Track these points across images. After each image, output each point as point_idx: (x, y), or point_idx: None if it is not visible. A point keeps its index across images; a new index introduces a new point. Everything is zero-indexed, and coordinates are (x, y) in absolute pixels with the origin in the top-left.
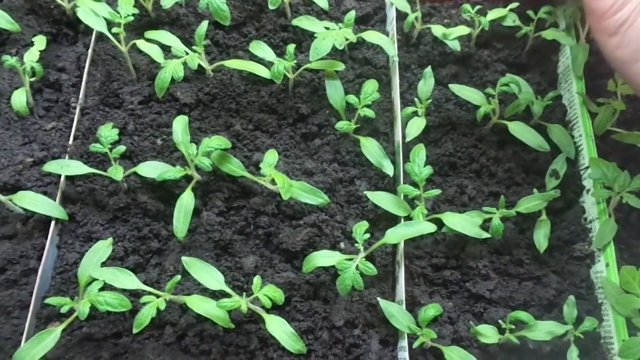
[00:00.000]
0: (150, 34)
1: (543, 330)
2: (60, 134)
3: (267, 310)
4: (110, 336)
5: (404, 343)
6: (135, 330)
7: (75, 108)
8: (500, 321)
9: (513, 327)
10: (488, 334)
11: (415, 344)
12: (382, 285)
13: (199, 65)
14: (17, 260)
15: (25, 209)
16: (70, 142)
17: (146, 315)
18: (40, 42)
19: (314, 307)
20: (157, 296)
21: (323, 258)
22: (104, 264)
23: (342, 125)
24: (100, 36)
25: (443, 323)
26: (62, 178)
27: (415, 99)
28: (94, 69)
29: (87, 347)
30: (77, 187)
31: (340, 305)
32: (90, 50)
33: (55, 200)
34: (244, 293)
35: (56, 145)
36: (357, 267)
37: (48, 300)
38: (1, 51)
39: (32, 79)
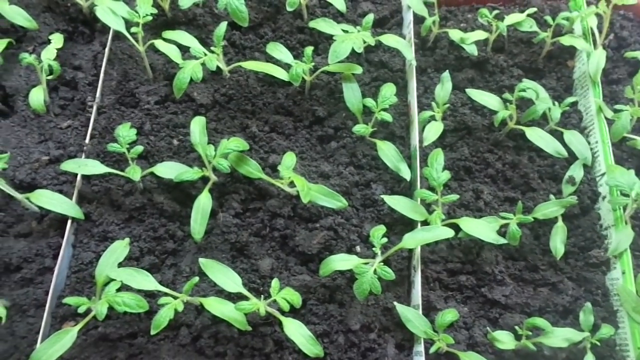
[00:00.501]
0: (168, 34)
1: (560, 336)
2: (76, 133)
3: (284, 313)
4: (126, 336)
5: (420, 348)
6: (153, 332)
7: (91, 107)
8: (516, 327)
9: (530, 333)
10: (504, 339)
11: (432, 349)
12: (397, 290)
13: (216, 66)
14: (32, 258)
15: (40, 207)
16: (87, 141)
17: (164, 316)
18: (57, 40)
19: (329, 311)
20: (175, 297)
21: (340, 262)
22: (120, 265)
23: (360, 128)
24: (117, 35)
25: (458, 328)
26: (79, 177)
27: (432, 103)
28: (111, 68)
29: (102, 347)
30: (93, 186)
31: (356, 309)
32: (107, 50)
33: (71, 199)
34: (261, 295)
35: (72, 143)
36: (374, 272)
37: (66, 300)
38: (18, 48)
39: (49, 77)
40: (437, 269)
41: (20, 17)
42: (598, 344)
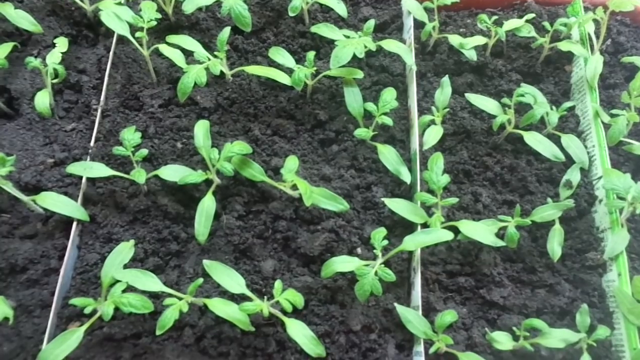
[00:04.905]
0: (172, 38)
1: (557, 337)
2: (80, 136)
3: (286, 314)
4: (130, 337)
5: (419, 348)
6: (158, 332)
7: (96, 110)
8: (514, 328)
9: (527, 334)
10: (502, 340)
11: (432, 350)
12: (397, 291)
13: (219, 70)
14: (38, 260)
15: (45, 209)
16: (92, 144)
17: (169, 317)
18: (62, 43)
19: (331, 312)
20: (179, 298)
21: (342, 263)
22: (125, 266)
23: (361, 132)
24: (121, 39)
25: (457, 329)
26: (84, 179)
27: (432, 108)
28: (115, 71)
29: (107, 347)
30: (98, 188)
31: (357, 309)
32: (111, 53)
33: (76, 201)
34: (264, 296)
35: (77, 146)
36: (375, 273)
37: (72, 301)
38: (22, 51)
39: (55, 81)
40: (436, 270)
41: (25, 21)
42: (594, 344)
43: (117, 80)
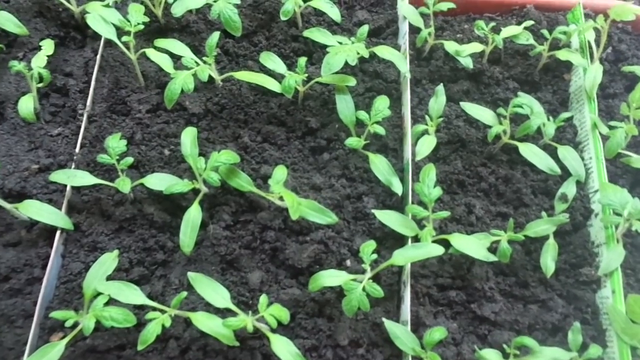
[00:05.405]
0: (160, 42)
1: (547, 356)
2: (66, 141)
3: (272, 329)
4: (114, 349)
5: None
6: (140, 347)
7: (82, 115)
8: (504, 345)
9: (517, 352)
10: (492, 358)
11: None
12: (387, 304)
13: (209, 75)
14: (21, 268)
15: (30, 217)
16: (77, 150)
17: (151, 332)
18: (48, 46)
19: (318, 325)
20: (163, 312)
21: (329, 277)
22: (109, 276)
23: (352, 141)
24: (109, 42)
25: (447, 344)
26: (68, 187)
27: (426, 117)
28: (102, 75)
29: (91, 359)
30: (83, 196)
31: (345, 323)
32: (98, 56)
33: (60, 209)
34: (250, 310)
35: (62, 152)
36: (363, 288)
37: (53, 314)
38: (8, 53)
39: (39, 85)
40: (427, 283)
41: (10, 23)
42: None
43: (104, 84)
